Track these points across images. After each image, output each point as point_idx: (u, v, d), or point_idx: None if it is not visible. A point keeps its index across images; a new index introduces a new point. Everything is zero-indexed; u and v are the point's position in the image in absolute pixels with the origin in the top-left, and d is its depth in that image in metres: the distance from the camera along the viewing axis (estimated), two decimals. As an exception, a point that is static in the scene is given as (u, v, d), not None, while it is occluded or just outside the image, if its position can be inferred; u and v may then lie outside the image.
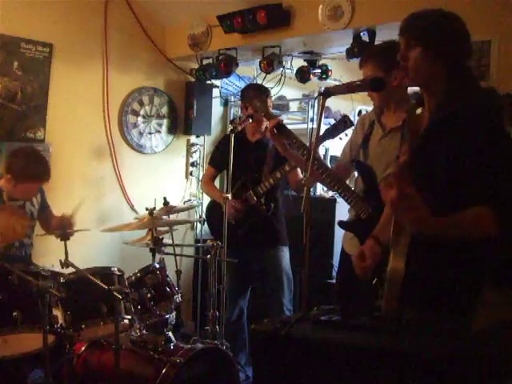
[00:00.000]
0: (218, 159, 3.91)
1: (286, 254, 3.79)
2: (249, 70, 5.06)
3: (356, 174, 2.91)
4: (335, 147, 4.42)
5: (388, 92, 2.51)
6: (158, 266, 3.12)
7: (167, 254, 3.41)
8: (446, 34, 1.84)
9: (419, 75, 1.87)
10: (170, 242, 3.49)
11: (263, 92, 3.79)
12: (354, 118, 4.25)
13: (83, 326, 2.69)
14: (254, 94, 3.68)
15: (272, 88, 4.07)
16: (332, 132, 2.97)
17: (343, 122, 2.94)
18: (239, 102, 5.20)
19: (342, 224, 2.76)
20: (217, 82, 5.01)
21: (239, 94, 5.12)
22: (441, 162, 1.80)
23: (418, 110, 1.68)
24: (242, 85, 5.13)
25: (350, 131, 3.03)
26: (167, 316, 3.01)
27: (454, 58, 1.85)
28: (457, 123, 1.78)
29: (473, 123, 1.75)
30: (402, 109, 2.58)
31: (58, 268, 2.91)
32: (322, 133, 3.02)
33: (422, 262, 1.80)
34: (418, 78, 1.89)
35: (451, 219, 1.71)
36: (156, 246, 3.24)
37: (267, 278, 3.83)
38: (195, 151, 5.10)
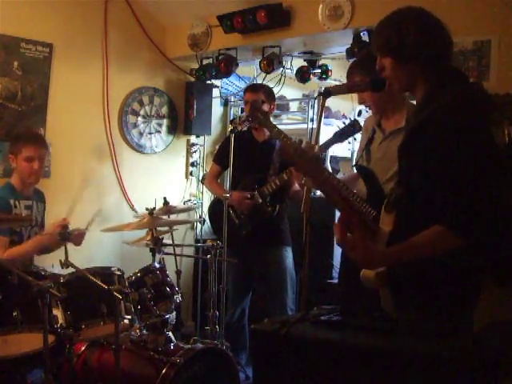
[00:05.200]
0: (223, 157, 3.90)
1: (289, 254, 3.80)
2: (249, 70, 5.06)
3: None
4: (335, 147, 4.42)
5: (380, 96, 2.51)
6: (158, 265, 3.12)
7: (167, 254, 3.41)
8: (410, 39, 1.80)
9: (398, 82, 1.90)
10: (169, 242, 3.49)
11: (271, 98, 3.81)
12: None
13: (83, 326, 2.68)
14: (261, 100, 3.70)
15: (272, 88, 4.08)
16: (341, 136, 2.97)
17: (352, 126, 2.94)
18: (239, 101, 5.22)
19: None
20: (217, 82, 5.01)
21: (239, 93, 5.14)
22: (415, 172, 1.80)
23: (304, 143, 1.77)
24: (242, 85, 5.14)
25: (358, 135, 3.01)
26: (167, 316, 3.01)
27: (426, 60, 1.82)
28: (427, 130, 1.76)
29: (438, 131, 1.71)
30: (400, 111, 2.59)
31: (58, 268, 2.92)
32: (330, 136, 3.03)
33: (418, 263, 1.80)
34: (399, 84, 1.91)
35: (402, 248, 1.74)
36: (156, 246, 3.24)
37: (270, 278, 3.83)
38: (195, 151, 5.09)
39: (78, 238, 3.12)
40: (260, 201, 3.64)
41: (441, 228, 1.67)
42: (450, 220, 1.66)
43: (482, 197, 1.65)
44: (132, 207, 4.67)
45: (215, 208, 4.00)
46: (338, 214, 4.28)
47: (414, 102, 2.49)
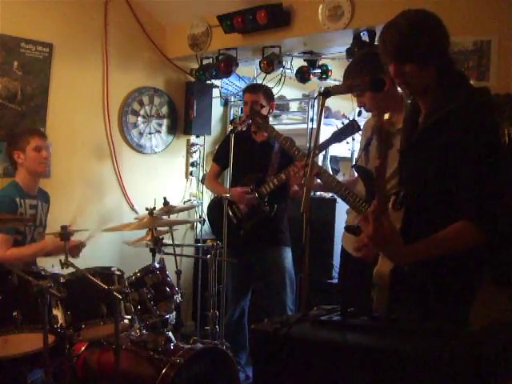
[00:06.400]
0: (222, 157, 3.89)
1: (288, 254, 3.80)
2: (249, 70, 5.05)
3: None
4: (335, 147, 4.42)
5: (379, 97, 2.51)
6: (157, 265, 3.12)
7: (167, 254, 3.40)
8: (430, 41, 1.81)
9: (419, 87, 1.89)
10: (170, 242, 3.49)
11: (270, 98, 3.82)
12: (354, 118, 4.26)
13: (83, 326, 2.68)
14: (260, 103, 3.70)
15: (272, 88, 4.08)
16: (339, 136, 2.98)
17: (351, 127, 2.94)
18: (239, 101, 5.22)
19: (349, 229, 2.76)
20: (217, 82, 5.01)
21: (239, 93, 5.14)
22: (431, 169, 1.81)
23: (386, 116, 1.71)
24: (242, 85, 5.14)
25: (357, 135, 3.02)
26: (167, 316, 3.01)
27: (440, 61, 1.84)
28: (446, 129, 1.78)
29: (460, 129, 1.75)
30: (399, 113, 2.59)
31: (58, 268, 2.92)
32: (328, 136, 3.03)
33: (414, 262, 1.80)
34: (418, 89, 1.90)
35: (429, 243, 1.73)
36: (156, 246, 3.24)
37: (270, 278, 3.83)
38: (195, 151, 5.09)
39: (74, 250, 3.13)
40: (258, 201, 3.64)
41: (466, 223, 1.70)
42: (475, 214, 1.69)
43: (506, 192, 1.70)
44: (132, 207, 4.67)
45: (213, 208, 4.01)
46: (338, 214, 4.30)
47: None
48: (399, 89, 2.60)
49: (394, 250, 1.72)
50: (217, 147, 4.40)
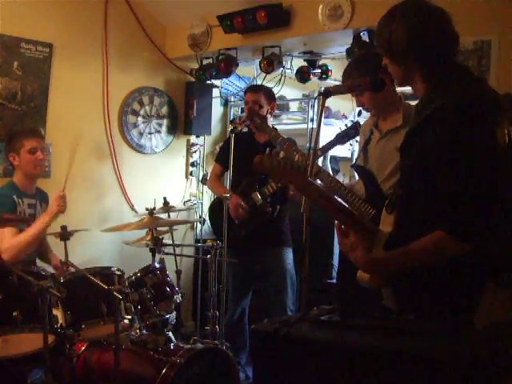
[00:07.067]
0: (224, 157, 3.89)
1: (289, 255, 3.80)
2: (249, 70, 5.06)
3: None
4: (335, 147, 4.41)
5: (378, 97, 2.52)
6: (158, 265, 3.12)
7: (167, 253, 3.41)
8: (397, 37, 1.76)
9: (398, 79, 1.88)
10: (170, 242, 3.49)
11: (271, 98, 3.82)
12: (354, 118, 4.26)
13: (83, 326, 2.69)
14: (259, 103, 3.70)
15: (272, 88, 4.08)
16: (342, 138, 2.99)
17: (354, 129, 2.96)
18: (239, 101, 5.22)
19: None
20: (217, 82, 5.01)
21: (239, 93, 5.14)
22: (415, 171, 1.77)
23: (281, 154, 1.77)
24: (242, 85, 5.14)
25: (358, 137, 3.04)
26: (167, 316, 3.01)
27: (419, 58, 1.77)
28: (428, 129, 1.71)
29: (442, 130, 1.66)
30: (397, 111, 2.60)
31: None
32: (332, 138, 3.04)
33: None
34: (399, 81, 1.89)
35: (402, 253, 1.71)
36: (156, 246, 3.24)
37: (270, 278, 3.83)
38: (195, 151, 5.10)
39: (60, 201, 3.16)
40: (260, 201, 3.64)
41: (441, 233, 1.63)
42: (451, 225, 1.62)
43: (484, 201, 1.60)
44: (132, 207, 4.67)
45: (215, 208, 4.00)
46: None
47: (411, 103, 2.50)
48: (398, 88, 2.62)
49: (358, 259, 1.78)
50: (218, 148, 4.40)
